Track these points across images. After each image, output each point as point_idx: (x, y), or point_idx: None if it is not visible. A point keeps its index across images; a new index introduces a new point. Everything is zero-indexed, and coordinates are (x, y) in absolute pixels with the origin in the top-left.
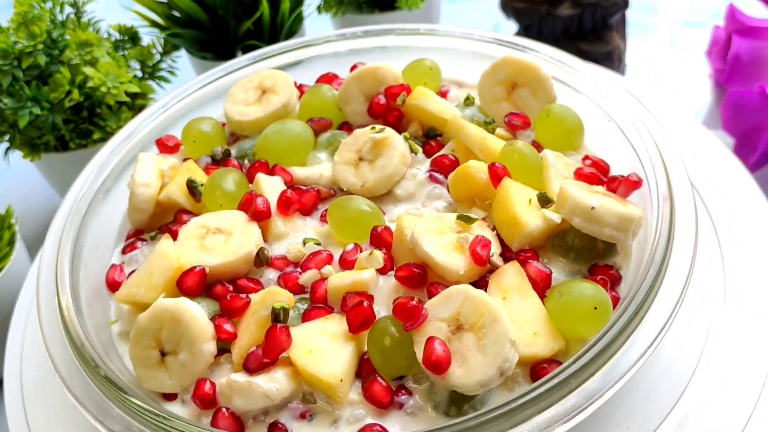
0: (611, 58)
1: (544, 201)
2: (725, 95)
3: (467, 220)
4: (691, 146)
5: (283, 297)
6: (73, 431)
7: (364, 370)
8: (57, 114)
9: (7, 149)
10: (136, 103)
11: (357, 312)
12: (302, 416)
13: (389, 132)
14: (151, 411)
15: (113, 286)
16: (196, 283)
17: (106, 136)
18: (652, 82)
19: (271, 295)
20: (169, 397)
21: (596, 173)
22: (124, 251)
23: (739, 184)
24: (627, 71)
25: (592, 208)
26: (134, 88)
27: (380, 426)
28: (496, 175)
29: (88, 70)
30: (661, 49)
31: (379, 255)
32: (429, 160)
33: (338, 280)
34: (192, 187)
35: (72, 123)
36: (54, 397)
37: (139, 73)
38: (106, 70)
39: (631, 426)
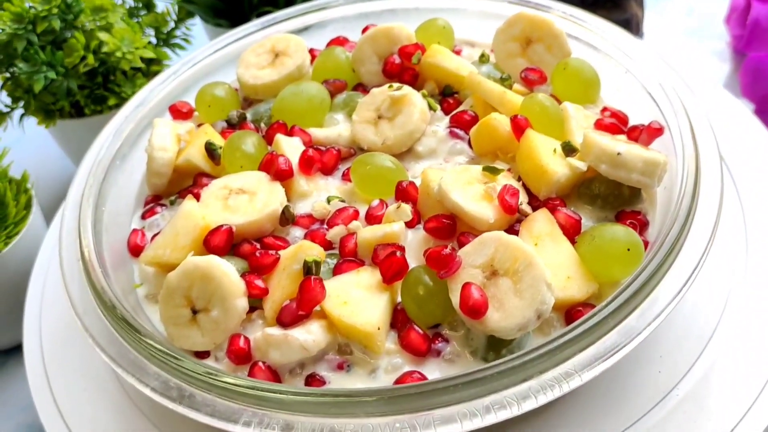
0: (629, 26)
1: (569, 150)
2: (744, 61)
3: (493, 171)
4: (712, 109)
5: (314, 250)
6: (96, 392)
7: (398, 320)
8: (72, 79)
9: (22, 116)
10: (151, 69)
11: (390, 262)
12: (339, 367)
13: (408, 89)
14: (190, 364)
15: (135, 250)
16: (223, 242)
17: (121, 102)
18: (669, 51)
19: (302, 249)
20: (202, 355)
21: (616, 123)
22: (143, 216)
23: (761, 146)
24: (644, 40)
25: (618, 153)
26: (149, 54)
27: (419, 373)
28: (519, 126)
29: (102, 36)
30: (678, 18)
31: (407, 208)
32: (448, 117)
33: (369, 233)
34: (211, 150)
35: (87, 89)
36: (75, 358)
37: (154, 40)
38: (120, 36)
39: (663, 369)
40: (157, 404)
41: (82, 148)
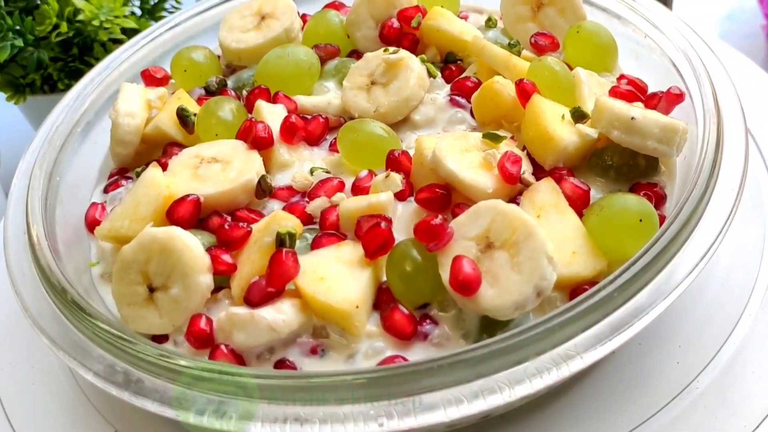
0: None
1: (579, 116)
2: None
3: (494, 138)
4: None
5: (289, 222)
6: (46, 387)
7: (383, 299)
8: (43, 50)
9: None
10: None
11: (373, 234)
12: (313, 351)
13: (404, 53)
14: (137, 345)
15: (93, 225)
16: (189, 213)
17: None
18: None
19: (275, 219)
20: (160, 339)
21: (633, 91)
22: (106, 190)
23: None
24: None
25: (633, 118)
26: (130, 24)
27: (403, 358)
28: (525, 92)
29: (78, 2)
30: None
31: (396, 177)
32: (449, 86)
33: (352, 203)
34: (183, 117)
35: (60, 61)
36: (25, 350)
37: (138, 11)
38: (98, 3)
39: (681, 360)
40: (115, 403)
41: None
